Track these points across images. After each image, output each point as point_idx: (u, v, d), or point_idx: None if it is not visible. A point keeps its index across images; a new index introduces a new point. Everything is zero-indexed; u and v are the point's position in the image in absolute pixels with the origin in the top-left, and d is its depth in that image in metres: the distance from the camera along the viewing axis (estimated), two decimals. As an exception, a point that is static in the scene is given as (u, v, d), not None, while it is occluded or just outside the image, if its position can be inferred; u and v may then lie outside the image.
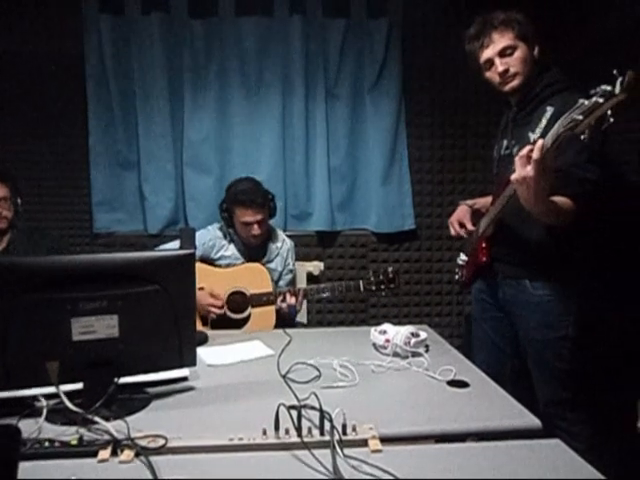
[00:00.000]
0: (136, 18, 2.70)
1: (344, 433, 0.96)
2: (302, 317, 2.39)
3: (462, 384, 1.26)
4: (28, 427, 0.98)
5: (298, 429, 0.95)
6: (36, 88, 2.74)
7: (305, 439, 0.94)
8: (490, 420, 1.07)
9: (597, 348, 1.67)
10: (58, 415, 1.05)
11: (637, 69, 1.04)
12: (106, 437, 0.96)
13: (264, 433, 0.96)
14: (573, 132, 1.13)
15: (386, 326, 1.53)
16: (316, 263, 2.86)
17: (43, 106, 2.76)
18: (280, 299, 1.98)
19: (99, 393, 1.07)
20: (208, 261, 2.13)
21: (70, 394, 1.05)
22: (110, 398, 1.08)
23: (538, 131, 1.46)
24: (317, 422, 0.97)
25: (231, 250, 2.16)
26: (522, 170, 1.22)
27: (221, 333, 1.80)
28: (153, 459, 0.89)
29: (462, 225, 1.78)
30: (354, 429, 0.97)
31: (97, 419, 1.01)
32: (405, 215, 2.91)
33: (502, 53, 1.53)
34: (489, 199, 1.74)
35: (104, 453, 0.91)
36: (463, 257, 1.83)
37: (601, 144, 1.41)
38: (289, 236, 2.34)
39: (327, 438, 0.93)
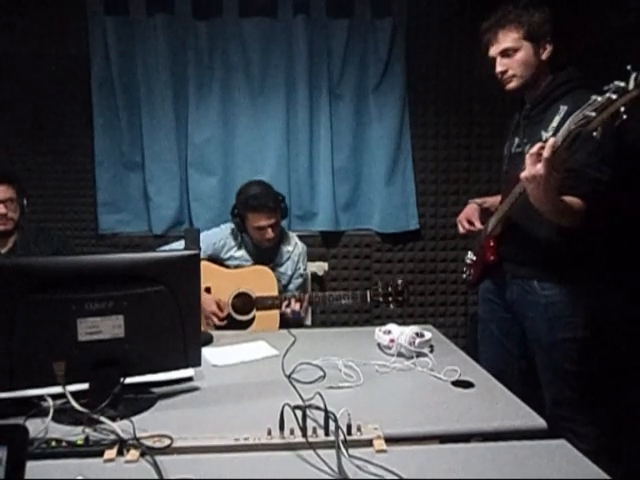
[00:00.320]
0: (140, 19, 2.72)
1: (349, 433, 0.96)
2: (306, 318, 2.39)
3: (467, 384, 1.26)
4: (35, 427, 0.99)
5: (303, 429, 0.95)
6: (41, 89, 2.75)
7: (310, 439, 0.94)
8: (495, 420, 1.07)
9: (606, 349, 1.64)
10: (64, 415, 1.05)
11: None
12: (112, 437, 0.97)
13: (269, 433, 0.96)
14: (585, 129, 1.11)
15: (391, 326, 1.53)
16: (320, 263, 2.86)
17: (48, 107, 2.77)
18: (285, 304, 1.97)
19: (105, 393, 1.07)
20: (217, 261, 2.14)
21: (76, 394, 1.06)
22: (116, 398, 1.09)
23: (551, 129, 1.44)
24: (322, 422, 0.97)
25: (241, 251, 2.16)
26: (532, 168, 1.21)
27: (226, 333, 1.80)
28: (159, 459, 0.89)
29: (471, 223, 1.76)
30: (359, 429, 0.97)
31: (103, 419, 1.01)
32: (409, 215, 2.90)
33: (503, 53, 1.53)
34: (498, 198, 1.72)
35: (110, 453, 0.92)
36: (471, 256, 1.82)
37: (614, 144, 1.39)
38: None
39: (332, 438, 0.93)
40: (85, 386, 1.11)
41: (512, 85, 1.55)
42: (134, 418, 1.05)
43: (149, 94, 2.75)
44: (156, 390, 1.22)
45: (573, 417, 1.52)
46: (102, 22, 2.70)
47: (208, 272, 2.04)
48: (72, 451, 0.93)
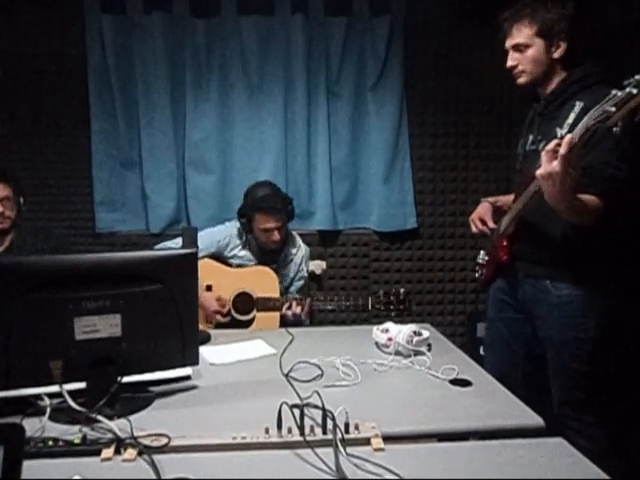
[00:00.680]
0: (138, 18, 2.71)
1: (347, 432, 0.96)
2: (306, 319, 2.39)
3: (465, 383, 1.26)
4: (32, 426, 0.98)
5: (301, 428, 0.95)
6: (38, 88, 2.74)
7: (308, 438, 0.94)
8: (493, 419, 1.07)
9: (617, 350, 1.60)
10: (61, 414, 1.05)
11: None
12: (109, 436, 0.96)
13: (267, 432, 0.96)
14: (604, 124, 1.09)
15: (388, 325, 1.53)
16: (318, 262, 2.86)
17: (45, 106, 2.76)
18: (286, 306, 1.97)
19: (102, 392, 1.07)
20: (220, 258, 2.13)
21: (73, 393, 1.05)
22: (113, 397, 1.08)
23: (566, 126, 1.41)
24: (320, 421, 0.97)
25: (245, 251, 2.16)
26: (548, 165, 1.19)
27: (223, 332, 1.80)
28: (156, 458, 0.89)
29: (483, 222, 1.73)
30: (357, 428, 0.97)
31: (100, 418, 1.01)
32: (407, 214, 2.90)
33: (515, 48, 1.51)
34: (511, 197, 1.69)
35: (107, 452, 0.92)
36: (483, 256, 1.79)
37: (633, 141, 1.36)
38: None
39: (330, 437, 0.93)
40: (82, 385, 1.10)
41: (521, 80, 1.54)
42: (131, 417, 1.04)
43: (146, 92, 2.75)
44: (154, 389, 1.22)
45: (580, 417, 1.50)
46: (98, 20, 2.69)
47: (210, 270, 2.04)
48: (69, 450, 0.93)
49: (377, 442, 0.95)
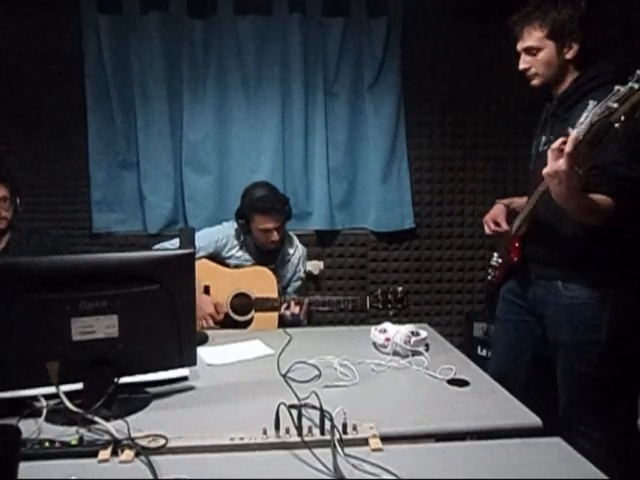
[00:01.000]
0: (135, 17, 2.70)
1: (344, 432, 0.95)
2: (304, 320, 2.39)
3: (462, 383, 1.26)
4: (28, 427, 0.98)
5: (299, 428, 0.95)
6: (35, 88, 2.73)
7: (306, 438, 0.94)
8: (490, 419, 1.07)
9: (630, 354, 1.55)
10: (58, 415, 1.04)
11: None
12: (106, 437, 0.96)
13: (265, 432, 0.96)
14: (608, 120, 1.08)
15: (386, 325, 1.53)
16: (316, 262, 2.86)
17: (42, 106, 2.75)
18: (285, 306, 1.96)
19: (99, 393, 1.06)
20: (218, 259, 2.13)
21: (70, 394, 1.05)
22: (110, 398, 1.08)
23: (578, 126, 1.42)
24: (317, 421, 0.97)
25: (242, 252, 2.16)
26: (554, 163, 1.18)
27: (221, 333, 1.80)
28: (153, 459, 0.89)
29: (497, 224, 1.71)
30: (354, 428, 0.97)
31: (97, 419, 1.00)
32: (404, 214, 2.90)
33: (527, 51, 1.50)
34: (525, 199, 1.67)
35: (104, 453, 0.91)
36: (496, 258, 1.78)
37: None
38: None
39: (328, 437, 0.93)
40: (79, 386, 1.10)
41: (535, 82, 1.53)
42: (129, 418, 1.04)
43: (144, 93, 2.74)
44: (151, 390, 1.21)
45: (586, 420, 1.48)
46: (95, 20, 2.68)
47: (207, 271, 2.03)
48: (66, 451, 0.92)
49: (375, 442, 0.95)
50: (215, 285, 2.01)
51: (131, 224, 2.85)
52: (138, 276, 1.12)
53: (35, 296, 1.04)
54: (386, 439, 0.96)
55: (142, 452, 0.90)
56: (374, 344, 1.54)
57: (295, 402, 1.06)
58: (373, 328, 1.55)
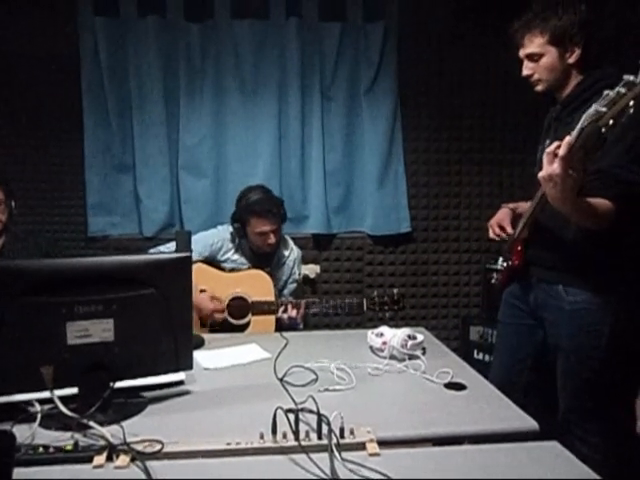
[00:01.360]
0: (131, 21, 2.70)
1: (342, 436, 0.95)
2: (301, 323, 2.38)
3: (459, 387, 1.26)
4: (22, 433, 0.97)
5: (296, 433, 0.95)
6: (31, 90, 2.72)
7: (303, 443, 0.93)
8: (487, 422, 1.07)
9: (629, 360, 1.54)
10: (53, 420, 1.03)
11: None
12: (102, 442, 0.95)
13: (261, 437, 0.95)
14: (596, 124, 1.09)
15: (383, 329, 1.52)
16: (312, 266, 2.86)
17: (38, 108, 2.74)
18: (282, 309, 1.96)
19: (94, 398, 1.06)
20: (214, 262, 2.13)
21: (65, 399, 1.04)
22: (105, 403, 1.07)
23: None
24: (315, 426, 0.97)
25: (238, 255, 2.15)
26: (549, 167, 1.18)
27: (217, 336, 1.79)
28: (149, 464, 0.88)
29: (502, 228, 1.70)
30: (352, 432, 0.97)
31: (92, 424, 1.00)
32: (401, 218, 2.91)
33: (529, 57, 1.50)
34: (530, 203, 1.66)
35: (99, 458, 0.91)
36: (502, 262, 1.77)
37: None
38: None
39: (325, 442, 0.93)
40: (74, 390, 1.09)
41: (539, 88, 1.53)
42: (124, 423, 1.03)
43: (140, 96, 2.74)
44: (146, 394, 1.21)
45: (585, 425, 1.48)
46: (91, 23, 2.68)
47: (204, 275, 2.03)
48: (61, 457, 0.91)
49: (372, 447, 0.94)
50: (211, 289, 2.01)
51: (127, 227, 2.84)
52: (134, 280, 1.11)
53: (30, 299, 1.03)
54: (383, 443, 0.96)
55: (138, 457, 0.90)
56: (371, 348, 1.54)
57: (292, 406, 1.06)
58: (370, 332, 1.55)
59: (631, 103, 1.03)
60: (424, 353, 1.48)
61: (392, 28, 2.80)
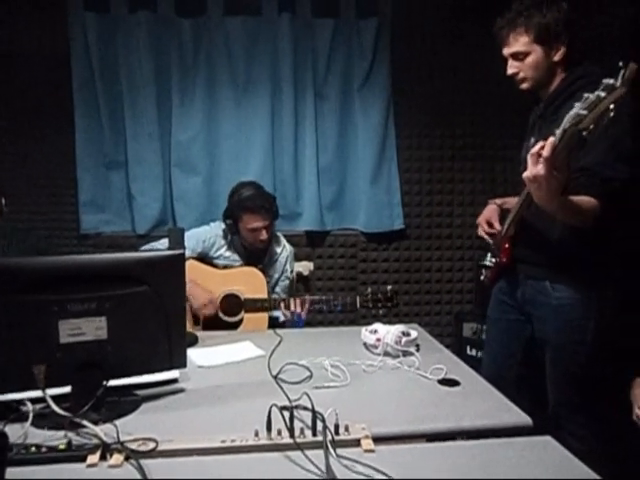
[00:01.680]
0: (122, 16, 2.68)
1: (336, 433, 0.95)
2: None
3: (453, 383, 1.27)
4: (14, 432, 0.96)
5: (290, 430, 0.95)
6: (22, 87, 2.69)
7: (298, 440, 0.93)
8: (481, 418, 1.08)
9: (614, 353, 1.58)
10: (45, 420, 1.03)
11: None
12: (95, 441, 0.94)
13: (256, 434, 0.95)
14: (577, 127, 1.10)
15: (377, 325, 1.53)
16: (305, 263, 2.85)
17: (29, 105, 2.71)
18: (283, 305, 1.94)
19: (87, 396, 1.05)
20: (206, 259, 2.12)
21: (58, 398, 1.03)
22: (99, 401, 1.06)
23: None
24: (309, 423, 0.97)
25: (230, 252, 2.15)
26: (533, 168, 1.20)
27: (211, 334, 1.78)
28: (144, 463, 0.88)
29: (490, 225, 1.72)
30: (346, 429, 0.97)
31: (85, 423, 0.99)
32: (394, 215, 2.92)
33: (514, 56, 1.50)
34: (517, 199, 1.68)
35: (93, 457, 0.90)
36: (490, 258, 1.79)
37: (631, 141, 1.35)
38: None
39: (320, 438, 0.93)
40: (67, 389, 1.08)
41: (524, 86, 1.54)
42: (118, 421, 1.03)
43: (131, 93, 2.72)
44: (140, 392, 1.20)
45: (574, 419, 1.50)
46: (82, 18, 2.65)
47: (196, 272, 2.02)
48: (54, 456, 0.91)
49: (367, 443, 0.94)
50: (204, 286, 2.00)
51: (119, 225, 2.83)
52: (127, 277, 1.10)
53: (22, 297, 1.02)
54: (378, 439, 0.96)
55: (132, 456, 0.89)
56: (365, 345, 1.54)
57: (286, 403, 1.06)
58: (364, 329, 1.55)
59: (611, 107, 1.05)
60: (418, 350, 1.49)
61: (385, 24, 2.80)
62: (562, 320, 1.49)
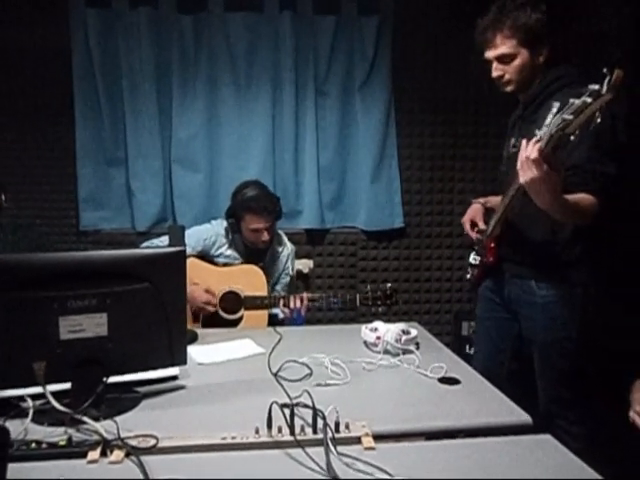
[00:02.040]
0: (123, 12, 2.67)
1: (337, 431, 0.95)
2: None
3: (453, 381, 1.27)
4: (15, 428, 0.96)
5: (291, 427, 0.95)
6: (22, 83, 2.69)
7: (298, 437, 0.93)
8: (481, 416, 1.08)
9: (602, 349, 1.63)
10: (45, 416, 1.03)
11: (625, 68, 1.03)
12: (95, 437, 0.95)
13: (257, 432, 0.95)
14: (563, 132, 1.13)
15: (377, 324, 1.53)
16: (306, 261, 2.85)
17: (29, 101, 2.71)
18: (282, 303, 1.95)
19: (88, 393, 1.05)
20: (207, 257, 2.12)
21: (58, 394, 1.03)
22: (99, 398, 1.06)
23: (544, 127, 1.40)
24: (310, 420, 0.97)
25: (231, 250, 2.14)
26: (527, 173, 1.22)
27: (211, 331, 1.79)
28: (144, 459, 0.88)
29: (474, 224, 1.75)
30: (347, 427, 0.97)
31: (86, 419, 0.99)
32: (394, 213, 2.91)
33: (500, 59, 1.50)
34: (500, 198, 1.69)
35: (93, 454, 0.90)
36: (475, 256, 1.80)
37: (613, 139, 1.37)
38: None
39: (320, 436, 0.93)
40: (68, 386, 1.08)
41: (508, 89, 1.54)
42: (118, 418, 1.03)
43: (132, 89, 2.71)
44: (140, 389, 1.20)
45: (565, 415, 1.52)
46: (83, 14, 2.65)
47: (196, 269, 2.02)
48: (54, 452, 0.91)
49: (368, 441, 0.95)
50: (204, 284, 2.00)
51: (119, 222, 2.82)
52: (128, 274, 1.10)
53: (22, 294, 1.02)
54: (378, 437, 0.96)
55: (132, 452, 0.89)
56: (365, 343, 1.54)
57: (287, 401, 1.06)
58: (364, 327, 1.55)
59: (597, 113, 1.06)
60: (418, 348, 1.49)
61: (387, 22, 2.79)
62: (548, 318, 1.52)
